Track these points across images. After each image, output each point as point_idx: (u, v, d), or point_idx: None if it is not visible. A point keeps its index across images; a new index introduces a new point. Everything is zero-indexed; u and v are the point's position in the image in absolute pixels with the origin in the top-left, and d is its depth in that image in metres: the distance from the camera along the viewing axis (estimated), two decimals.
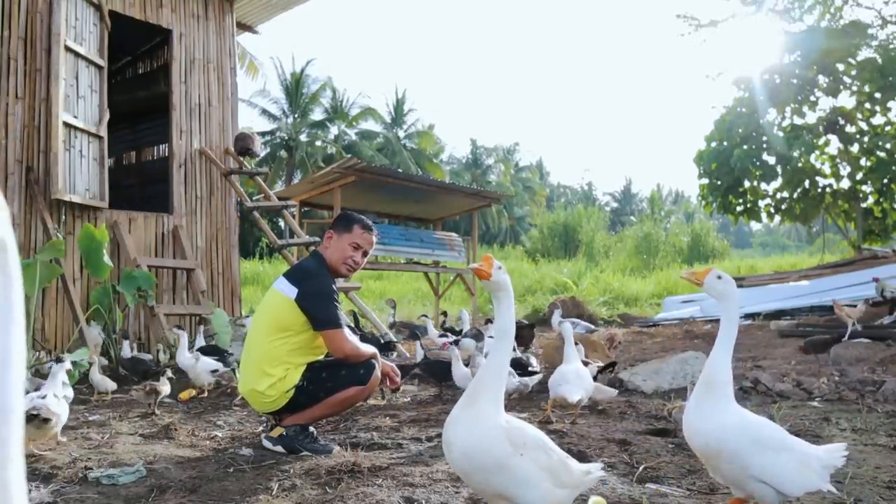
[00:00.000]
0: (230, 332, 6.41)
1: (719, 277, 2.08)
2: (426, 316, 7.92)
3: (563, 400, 3.66)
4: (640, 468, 2.68)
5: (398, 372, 3.64)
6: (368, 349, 3.40)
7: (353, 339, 3.39)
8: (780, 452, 1.93)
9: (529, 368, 4.53)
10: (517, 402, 4.47)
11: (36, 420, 2.94)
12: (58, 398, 3.16)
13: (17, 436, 0.68)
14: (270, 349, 3.21)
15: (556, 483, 1.85)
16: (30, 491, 2.58)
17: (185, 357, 4.95)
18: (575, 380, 3.68)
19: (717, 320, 2.17)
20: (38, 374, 5.32)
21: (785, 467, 1.92)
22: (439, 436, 3.21)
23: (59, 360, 3.50)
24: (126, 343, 5.98)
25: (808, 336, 5.88)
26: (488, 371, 1.92)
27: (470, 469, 1.84)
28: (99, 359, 5.26)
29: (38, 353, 5.96)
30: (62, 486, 2.64)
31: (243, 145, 8.14)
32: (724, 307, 2.09)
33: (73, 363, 4.72)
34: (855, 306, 6.73)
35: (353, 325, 6.39)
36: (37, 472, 2.81)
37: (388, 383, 3.55)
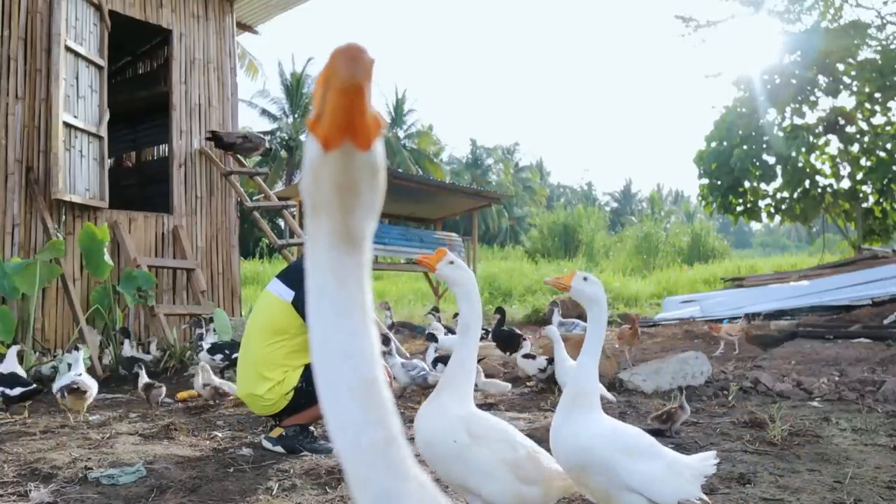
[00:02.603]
0: (230, 331, 6.40)
1: (585, 279, 1.95)
2: (432, 314, 7.77)
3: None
4: None
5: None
6: None
7: None
8: (651, 460, 1.85)
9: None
10: (518, 402, 4.47)
11: (77, 391, 3.82)
12: (91, 376, 4.08)
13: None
14: (267, 353, 3.19)
15: (520, 478, 1.82)
16: (30, 491, 2.58)
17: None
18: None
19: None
20: (38, 374, 5.33)
21: (657, 475, 1.83)
22: None
23: (76, 349, 4.30)
24: (126, 343, 5.97)
25: (809, 337, 5.88)
26: (453, 366, 1.95)
27: (432, 458, 1.88)
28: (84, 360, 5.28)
29: (37, 352, 5.96)
30: (62, 486, 2.64)
31: (222, 143, 7.95)
32: (591, 311, 1.95)
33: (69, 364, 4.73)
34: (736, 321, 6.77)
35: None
36: (37, 472, 2.81)
37: None
